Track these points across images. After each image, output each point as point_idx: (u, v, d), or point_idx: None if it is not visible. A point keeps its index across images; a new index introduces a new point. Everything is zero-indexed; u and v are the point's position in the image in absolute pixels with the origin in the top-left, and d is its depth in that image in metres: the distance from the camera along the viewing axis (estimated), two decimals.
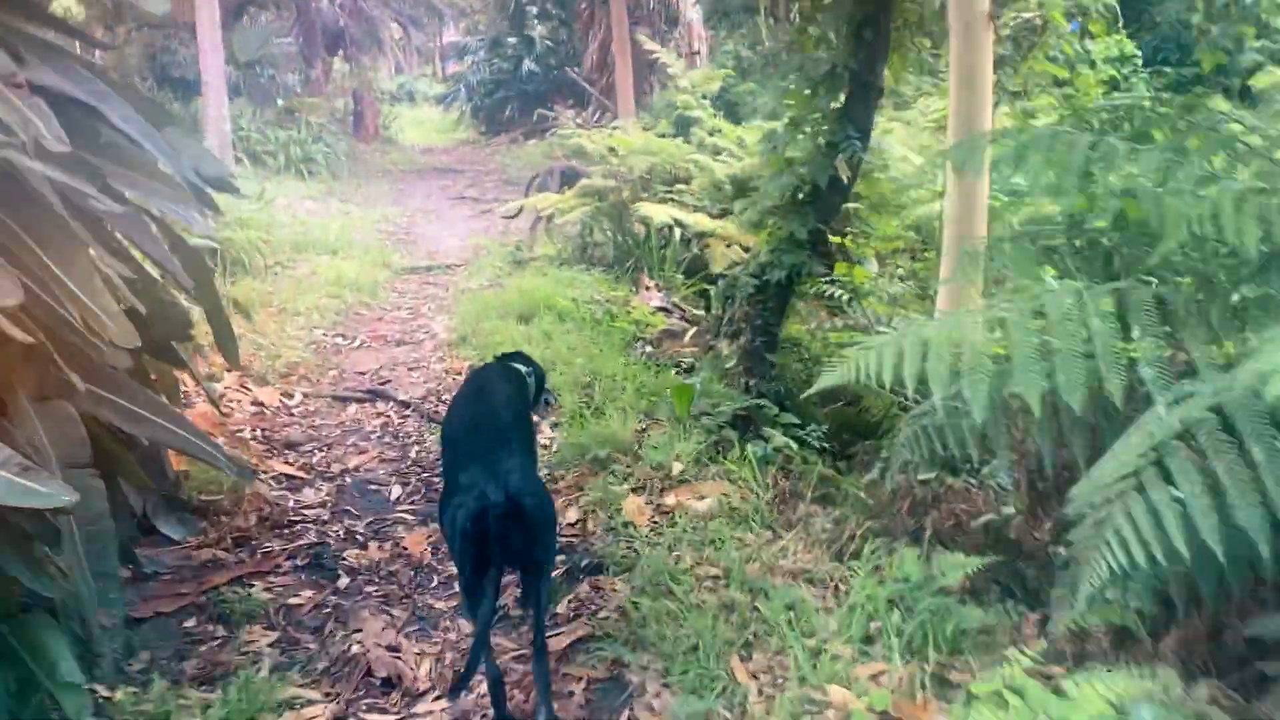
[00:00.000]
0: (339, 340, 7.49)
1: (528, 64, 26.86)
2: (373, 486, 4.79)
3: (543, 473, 4.45)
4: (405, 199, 15.67)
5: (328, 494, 4.66)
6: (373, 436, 5.47)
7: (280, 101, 19.06)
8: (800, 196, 4.70)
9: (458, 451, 3.22)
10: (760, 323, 4.85)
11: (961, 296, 6.07)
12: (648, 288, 7.57)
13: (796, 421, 4.75)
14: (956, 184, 6.15)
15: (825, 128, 4.59)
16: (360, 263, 10.39)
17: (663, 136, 9.99)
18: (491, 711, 2.91)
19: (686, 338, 6.58)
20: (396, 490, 4.73)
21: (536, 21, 28.46)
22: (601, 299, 7.68)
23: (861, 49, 4.49)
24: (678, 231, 8.60)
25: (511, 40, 27.92)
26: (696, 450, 4.54)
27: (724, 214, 9.14)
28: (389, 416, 5.77)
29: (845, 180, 4.65)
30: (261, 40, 18.51)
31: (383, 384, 6.42)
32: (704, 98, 10.39)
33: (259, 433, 5.33)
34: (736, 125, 10.40)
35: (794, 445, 4.41)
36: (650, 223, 8.66)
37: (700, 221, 8.73)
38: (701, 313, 7.45)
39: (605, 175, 10.03)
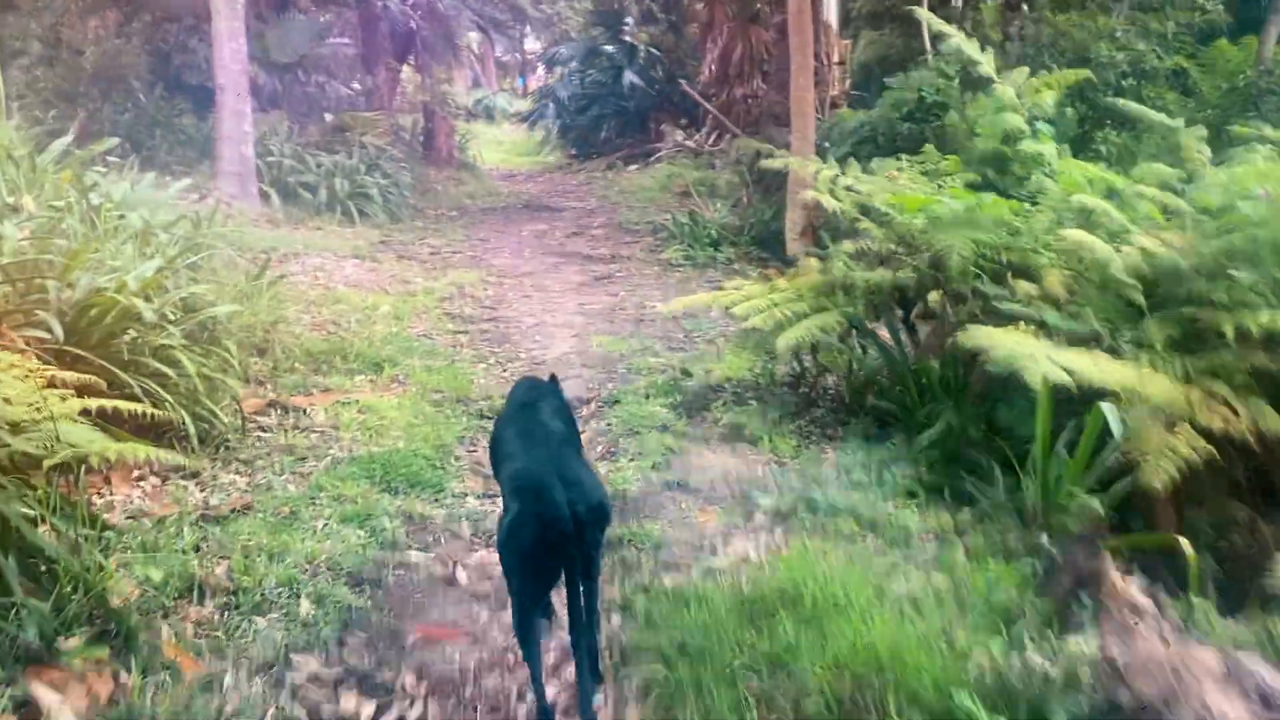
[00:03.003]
0: None
1: (629, 76, 22.49)
2: None
3: None
4: (488, 253, 11.30)
5: None
6: None
7: (329, 116, 14.88)
8: None
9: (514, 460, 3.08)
10: None
11: None
12: (1141, 616, 2.90)
13: None
14: None
15: None
16: (419, 395, 6.00)
17: (973, 187, 5.42)
18: None
19: None
20: None
21: (637, 26, 24.16)
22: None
23: None
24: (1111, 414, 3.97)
25: (609, 49, 23.63)
26: None
27: (1137, 344, 4.58)
28: None
29: None
30: (307, 37, 14.35)
31: None
32: (1034, 121, 5.77)
33: None
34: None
35: None
36: (1021, 372, 4.05)
37: (1107, 373, 4.13)
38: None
39: (861, 256, 5.51)
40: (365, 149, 13.77)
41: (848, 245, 5.64)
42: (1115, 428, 3.83)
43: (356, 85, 17.89)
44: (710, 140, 20.69)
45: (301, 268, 9.26)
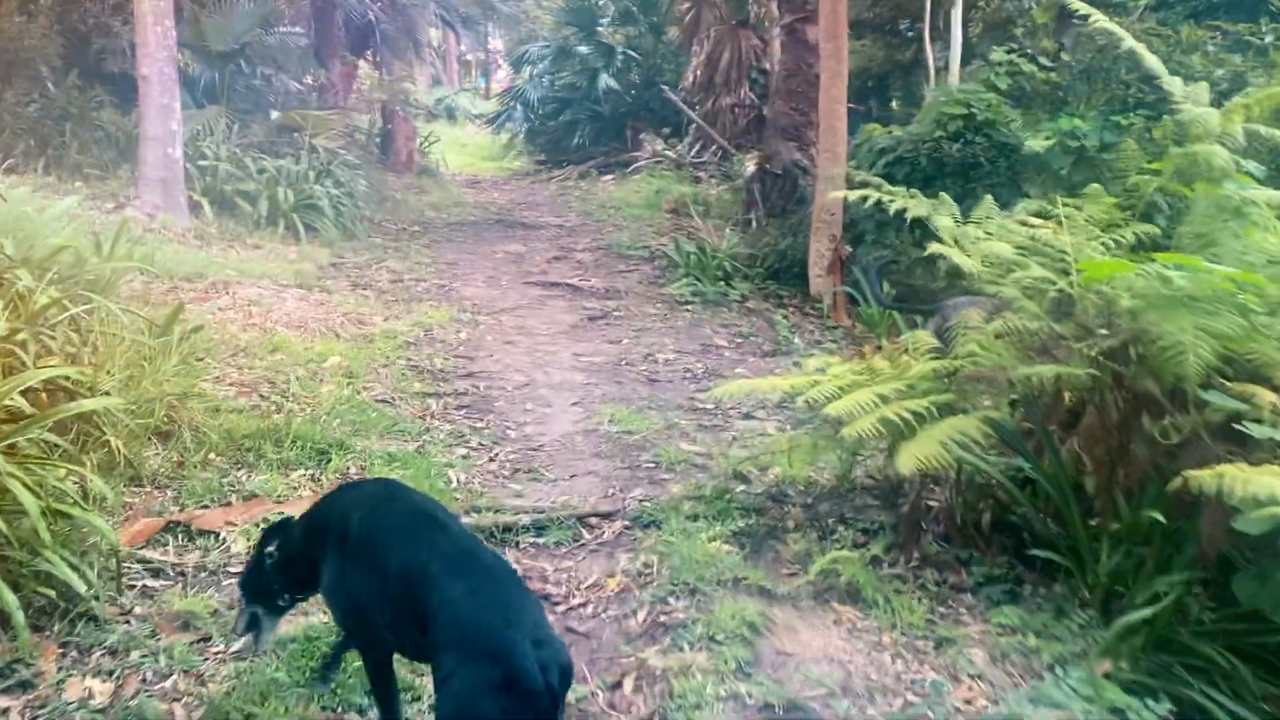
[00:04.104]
0: None
1: (605, 79, 20.87)
2: None
3: None
4: (458, 281, 9.62)
5: None
6: None
7: (275, 114, 13.11)
8: None
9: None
10: None
11: None
12: None
13: None
14: None
15: None
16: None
17: (1140, 249, 3.89)
18: None
19: None
20: None
21: (612, 26, 22.54)
22: None
23: None
24: None
25: (582, 49, 21.98)
26: None
27: None
28: None
29: None
30: (251, 23, 12.57)
31: None
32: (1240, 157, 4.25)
33: None
34: None
35: None
36: None
37: None
38: None
39: (1003, 336, 3.96)
40: (316, 152, 12.04)
41: (978, 319, 4.09)
42: None
43: (309, 80, 16.12)
44: (693, 151, 19.17)
45: (232, 301, 7.56)
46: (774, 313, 8.59)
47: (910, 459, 3.65)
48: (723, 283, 9.16)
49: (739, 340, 7.79)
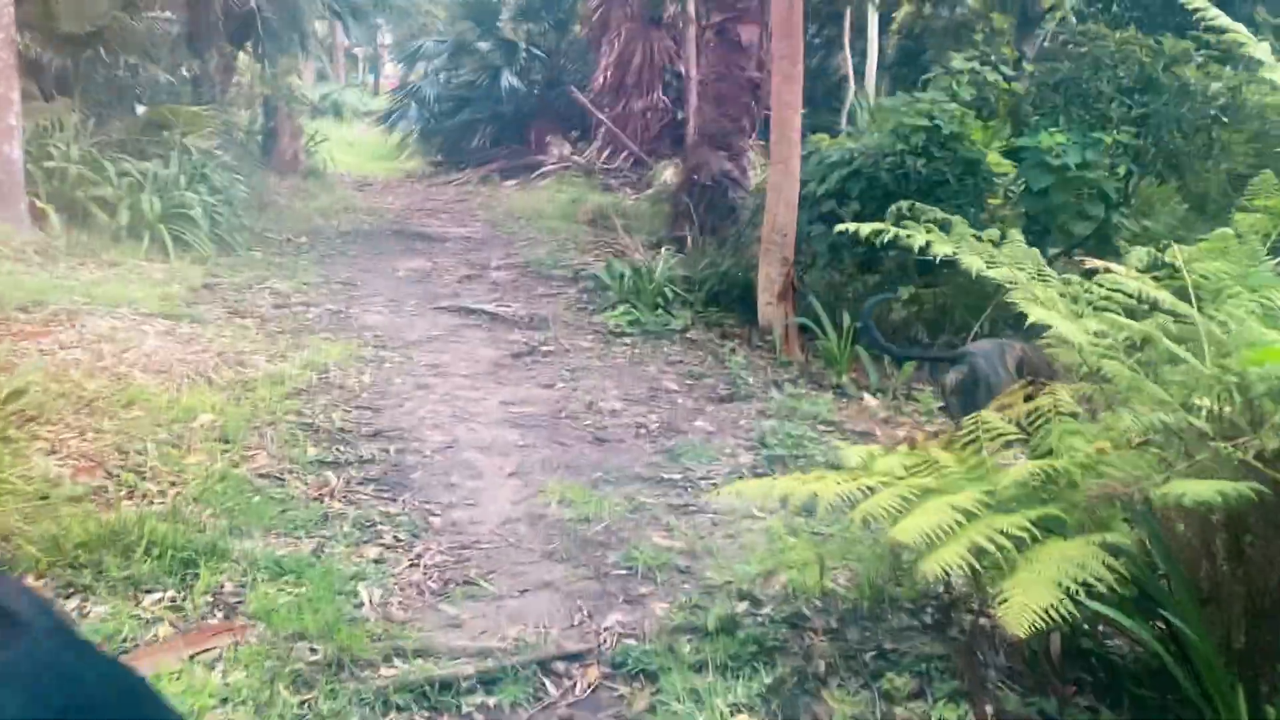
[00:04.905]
0: None
1: (508, 78, 19.61)
2: None
3: None
4: (356, 305, 8.33)
5: None
6: None
7: (141, 109, 11.54)
8: None
9: None
10: None
11: None
12: None
13: None
14: None
15: None
16: (263, 653, 3.16)
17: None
18: None
19: None
20: None
21: (513, 22, 21.25)
22: None
23: None
24: None
25: (482, 45, 20.66)
26: None
27: None
28: None
29: None
30: (111, 4, 10.99)
31: None
32: None
33: None
34: None
35: None
36: None
37: None
38: None
39: (1119, 439, 2.98)
40: (188, 153, 10.57)
41: (1070, 400, 3.11)
42: None
43: (182, 71, 14.48)
44: (603, 157, 18.11)
45: (79, 337, 6.19)
46: (721, 346, 7.58)
47: (1024, 614, 2.62)
48: (662, 310, 8.10)
49: (690, 382, 6.74)
